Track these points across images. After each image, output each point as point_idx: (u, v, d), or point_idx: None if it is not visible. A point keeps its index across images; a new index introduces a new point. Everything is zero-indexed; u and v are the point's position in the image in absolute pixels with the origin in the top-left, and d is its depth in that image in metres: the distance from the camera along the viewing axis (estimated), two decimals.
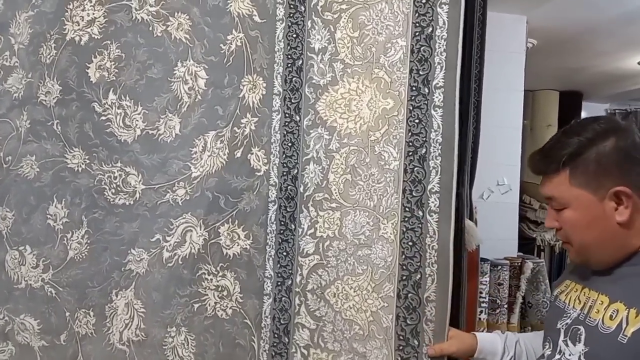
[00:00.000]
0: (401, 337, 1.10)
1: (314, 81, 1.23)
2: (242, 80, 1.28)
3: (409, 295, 1.10)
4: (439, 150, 1.11)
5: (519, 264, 3.12)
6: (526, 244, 3.48)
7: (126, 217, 1.36)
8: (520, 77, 3.32)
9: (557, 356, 0.91)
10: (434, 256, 1.09)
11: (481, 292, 3.00)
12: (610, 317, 0.84)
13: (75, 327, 1.38)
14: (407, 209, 1.13)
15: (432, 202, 1.11)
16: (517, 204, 3.34)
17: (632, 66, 3.63)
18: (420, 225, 1.11)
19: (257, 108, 1.27)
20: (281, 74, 1.25)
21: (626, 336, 0.81)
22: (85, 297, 1.37)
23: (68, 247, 1.41)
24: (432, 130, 1.12)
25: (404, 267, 1.11)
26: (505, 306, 3.14)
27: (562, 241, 0.96)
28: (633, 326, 0.81)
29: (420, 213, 1.12)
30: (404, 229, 1.12)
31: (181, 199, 1.31)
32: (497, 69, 3.25)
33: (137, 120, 1.36)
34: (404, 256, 1.12)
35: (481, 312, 3.00)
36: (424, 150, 1.12)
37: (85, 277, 1.38)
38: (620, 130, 0.89)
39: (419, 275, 1.10)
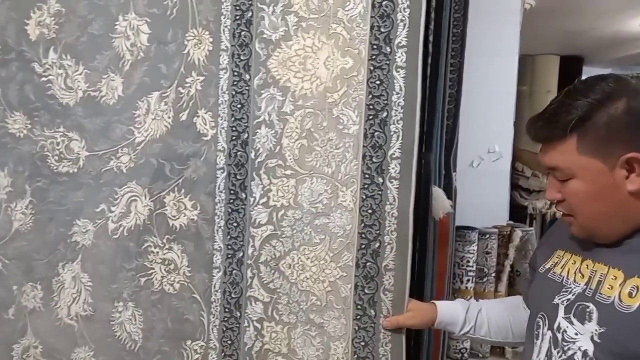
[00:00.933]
0: (359, 307, 1.05)
1: (265, 36, 1.11)
2: (187, 35, 1.16)
3: (368, 264, 1.05)
4: (401, 114, 1.03)
5: (508, 232, 3.05)
6: (518, 212, 3.41)
7: (70, 186, 1.27)
8: (516, 40, 3.15)
9: (557, 334, 0.83)
10: (393, 224, 1.03)
11: (468, 261, 2.95)
12: (630, 295, 0.76)
13: (23, 301, 1.32)
14: (366, 176, 1.05)
15: (393, 168, 1.04)
16: (509, 171, 3.24)
17: (634, 28, 3.46)
18: (380, 193, 1.04)
19: (203, 66, 1.15)
20: (229, 27, 1.13)
21: None
22: (31, 270, 1.30)
23: (12, 218, 1.32)
24: (394, 92, 1.03)
25: (363, 235, 1.05)
26: (493, 275, 3.09)
27: (563, 214, 0.86)
28: None
29: (380, 180, 1.04)
30: (364, 197, 1.05)
31: (125, 167, 1.22)
32: (490, 32, 3.09)
33: (79, 82, 1.25)
34: (363, 224, 1.05)
35: (468, 280, 2.96)
36: (385, 114, 1.04)
37: (31, 249, 1.30)
38: (630, 89, 0.80)
39: (377, 244, 1.04)
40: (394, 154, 1.03)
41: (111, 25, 1.22)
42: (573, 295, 0.83)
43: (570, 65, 4.01)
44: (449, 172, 1.89)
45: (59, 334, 1.28)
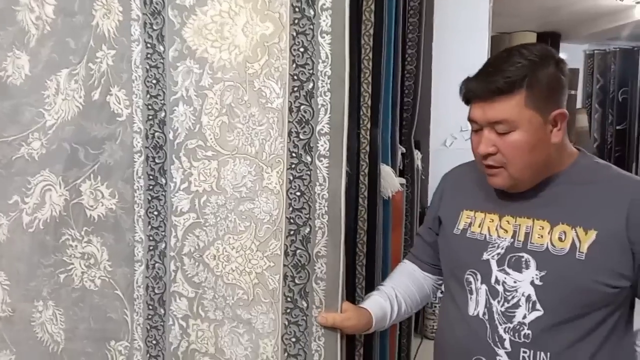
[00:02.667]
0: (289, 299, 0.96)
1: (178, 1, 0.99)
2: (94, 4, 1.04)
3: (297, 251, 0.95)
4: (328, 85, 0.92)
5: None
6: None
7: None
8: (486, 17, 3.05)
9: (496, 286, 0.90)
10: (324, 206, 0.93)
11: None
12: (560, 239, 0.87)
13: None
14: (293, 155, 0.94)
15: (322, 145, 0.93)
16: None
17: (610, 2, 3.38)
18: (308, 173, 0.94)
19: (113, 38, 1.03)
20: None
21: (583, 252, 0.84)
22: None
23: None
24: (320, 60, 0.92)
25: (292, 220, 0.95)
26: None
27: (486, 166, 0.91)
28: (585, 242, 0.85)
29: (309, 158, 0.94)
30: (291, 178, 0.95)
31: (37, 153, 1.10)
32: (461, 9, 2.99)
33: None
34: (291, 208, 0.95)
35: None
36: (311, 85, 0.93)
37: None
38: (555, 54, 0.90)
39: (308, 229, 0.94)
40: (322, 129, 0.93)
41: None
42: (502, 249, 0.91)
43: (547, 42, 3.94)
44: (410, 150, 1.80)
45: None
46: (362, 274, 1.24)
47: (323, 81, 0.92)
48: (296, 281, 0.95)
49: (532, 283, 0.87)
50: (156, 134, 1.03)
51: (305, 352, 0.95)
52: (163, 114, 1.02)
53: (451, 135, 3.05)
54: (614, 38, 3.99)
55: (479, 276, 0.93)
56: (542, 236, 0.88)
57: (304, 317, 0.95)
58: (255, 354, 0.98)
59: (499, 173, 0.90)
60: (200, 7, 0.98)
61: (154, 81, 1.02)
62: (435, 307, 2.81)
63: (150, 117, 1.03)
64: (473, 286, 0.93)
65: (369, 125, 1.23)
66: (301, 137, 0.94)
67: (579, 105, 4.07)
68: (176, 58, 1.01)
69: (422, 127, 2.47)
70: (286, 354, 0.96)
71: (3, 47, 1.12)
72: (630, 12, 3.44)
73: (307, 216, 0.94)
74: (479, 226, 0.96)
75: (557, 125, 0.88)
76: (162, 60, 1.02)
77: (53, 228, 1.10)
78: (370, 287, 1.19)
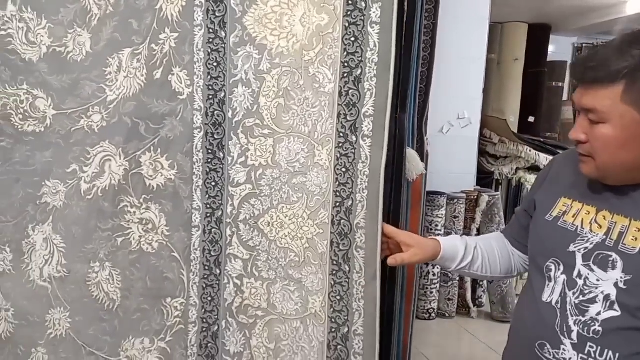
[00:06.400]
0: (334, 263, 1.09)
1: None
2: None
3: (342, 221, 1.07)
4: (375, 71, 1.04)
5: (475, 197, 3.16)
6: (485, 178, 3.52)
7: (37, 146, 1.23)
8: (487, 6, 3.16)
9: (577, 280, 0.88)
10: (365, 182, 1.06)
11: (437, 225, 3.06)
12: None
13: None
14: (341, 134, 1.06)
15: (366, 126, 1.05)
16: (477, 138, 3.33)
17: None
18: (353, 151, 1.06)
19: (176, 22, 1.12)
20: None
21: None
22: None
23: None
24: (368, 49, 1.03)
25: (338, 193, 1.07)
26: None
27: (579, 154, 0.88)
28: None
29: (354, 138, 1.06)
30: (338, 155, 1.07)
31: (97, 126, 1.19)
32: None
33: (42, 36, 1.19)
34: (337, 183, 1.07)
35: None
36: (359, 71, 1.04)
37: None
38: None
39: (350, 202, 1.06)
40: (367, 112, 1.04)
41: None
42: (591, 244, 0.87)
43: (538, 34, 4.06)
44: (422, 136, 1.92)
45: (32, 297, 1.26)
46: None
47: (370, 67, 1.03)
48: (340, 247, 1.08)
49: (615, 285, 0.84)
50: (216, 112, 1.13)
51: (348, 309, 1.09)
52: (223, 94, 1.12)
53: (448, 123, 3.20)
54: (602, 32, 4.16)
55: (561, 266, 0.90)
56: (636, 239, 0.83)
57: (347, 280, 1.08)
58: (304, 309, 1.11)
59: (587, 161, 0.88)
60: None
61: (215, 64, 1.11)
62: (427, 288, 3.00)
63: (210, 97, 1.12)
64: (552, 274, 0.91)
65: (398, 110, 1.34)
66: (348, 118, 1.05)
67: (565, 97, 4.26)
68: (237, 44, 1.10)
69: None
70: (332, 309, 1.09)
71: (64, 24, 1.18)
72: (621, 8, 3.58)
73: (351, 190, 1.06)
74: (573, 216, 0.92)
75: None
76: (223, 45, 1.10)
77: (112, 195, 1.19)
78: None
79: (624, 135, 0.82)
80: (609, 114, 0.82)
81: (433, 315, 3.06)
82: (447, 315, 3.09)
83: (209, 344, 1.19)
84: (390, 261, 1.04)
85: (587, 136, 0.85)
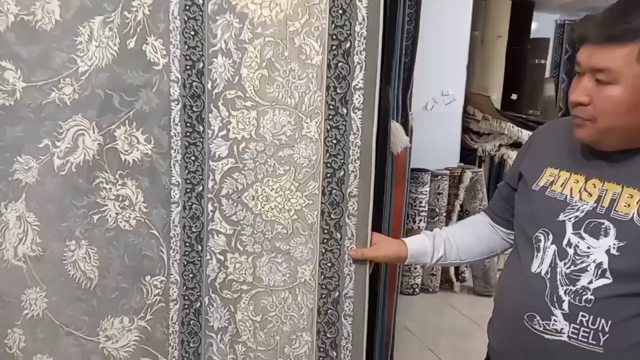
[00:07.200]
0: (325, 231, 1.09)
1: None
2: None
3: (333, 191, 1.08)
4: (364, 45, 1.02)
5: (459, 173, 3.18)
6: (468, 155, 3.54)
7: (7, 120, 1.16)
8: None
9: (567, 249, 0.86)
10: (357, 153, 1.06)
11: (421, 202, 3.07)
12: None
13: None
14: (330, 107, 1.05)
15: (357, 98, 1.04)
16: (461, 115, 3.33)
17: None
18: (344, 123, 1.05)
19: None
20: None
21: None
22: None
23: None
24: (357, 22, 1.01)
25: (328, 165, 1.07)
26: (444, 214, 3.25)
27: (574, 116, 0.85)
28: None
29: (345, 110, 1.05)
30: (328, 127, 1.06)
31: (69, 98, 1.13)
32: None
33: (9, 4, 1.12)
34: (328, 154, 1.07)
35: (420, 220, 3.09)
36: (348, 45, 1.02)
37: None
38: None
39: (342, 172, 1.07)
40: (357, 84, 1.03)
41: None
42: (582, 212, 0.86)
43: (521, 10, 4.04)
44: (406, 110, 1.91)
45: (7, 276, 1.22)
46: None
47: (359, 41, 1.02)
48: (332, 216, 1.08)
49: (607, 252, 0.83)
50: (194, 83, 1.08)
51: (339, 275, 1.10)
52: (201, 65, 1.07)
53: (432, 99, 3.19)
54: (583, 9, 4.16)
55: (550, 236, 0.89)
56: (629, 205, 0.82)
57: (338, 247, 1.09)
58: (293, 278, 1.11)
59: (584, 125, 0.84)
60: None
61: (192, 33, 1.06)
62: (410, 265, 3.03)
63: (188, 67, 1.08)
64: (542, 244, 0.90)
65: (381, 82, 1.32)
66: (338, 91, 1.04)
67: (547, 74, 4.27)
68: (215, 12, 1.05)
69: None
70: (322, 276, 1.10)
71: None
72: None
73: (342, 161, 1.06)
74: (561, 185, 0.90)
75: None
76: (200, 13, 1.06)
77: (86, 171, 1.15)
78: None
79: (633, 98, 0.78)
80: (622, 74, 0.78)
81: (417, 290, 3.10)
82: (430, 290, 3.14)
83: (192, 321, 1.17)
84: (352, 252, 1.08)
85: (591, 98, 0.82)
